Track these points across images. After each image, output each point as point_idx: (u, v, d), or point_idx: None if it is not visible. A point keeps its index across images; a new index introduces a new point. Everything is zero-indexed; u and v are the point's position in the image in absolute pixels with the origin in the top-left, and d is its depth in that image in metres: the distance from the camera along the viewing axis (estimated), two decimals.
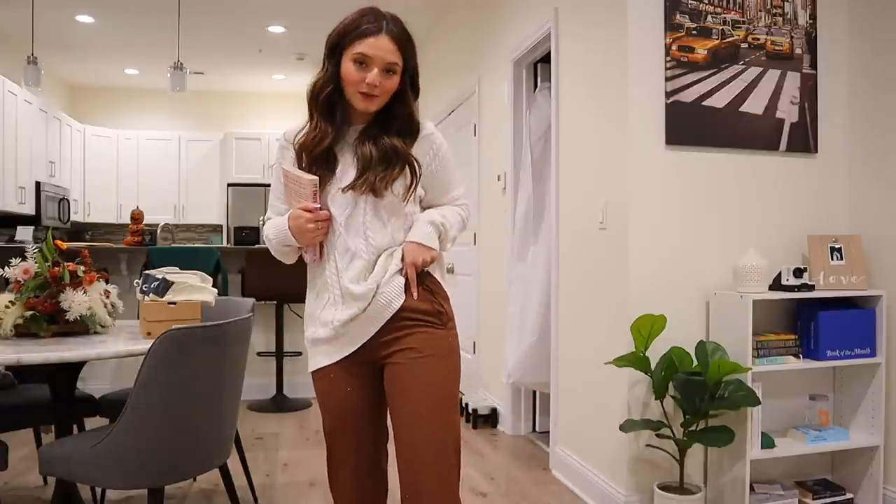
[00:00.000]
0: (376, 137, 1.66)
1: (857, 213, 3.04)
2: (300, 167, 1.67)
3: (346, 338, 1.69)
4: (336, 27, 1.66)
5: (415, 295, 1.66)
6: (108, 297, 2.64)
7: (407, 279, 1.66)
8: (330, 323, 1.69)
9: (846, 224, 3.07)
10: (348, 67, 1.61)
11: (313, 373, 1.77)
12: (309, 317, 1.77)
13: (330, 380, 1.73)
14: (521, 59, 4.08)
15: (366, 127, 1.69)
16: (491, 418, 4.37)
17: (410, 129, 1.70)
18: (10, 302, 2.46)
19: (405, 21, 1.67)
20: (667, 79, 2.80)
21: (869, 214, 2.99)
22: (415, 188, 1.69)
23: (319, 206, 1.61)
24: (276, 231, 1.69)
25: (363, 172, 1.64)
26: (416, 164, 1.68)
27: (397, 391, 1.66)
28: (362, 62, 1.60)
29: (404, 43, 1.64)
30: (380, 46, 1.59)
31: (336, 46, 1.64)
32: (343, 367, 1.72)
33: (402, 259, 1.67)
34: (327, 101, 1.66)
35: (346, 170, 1.66)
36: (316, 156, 1.66)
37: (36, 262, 2.55)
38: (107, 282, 2.70)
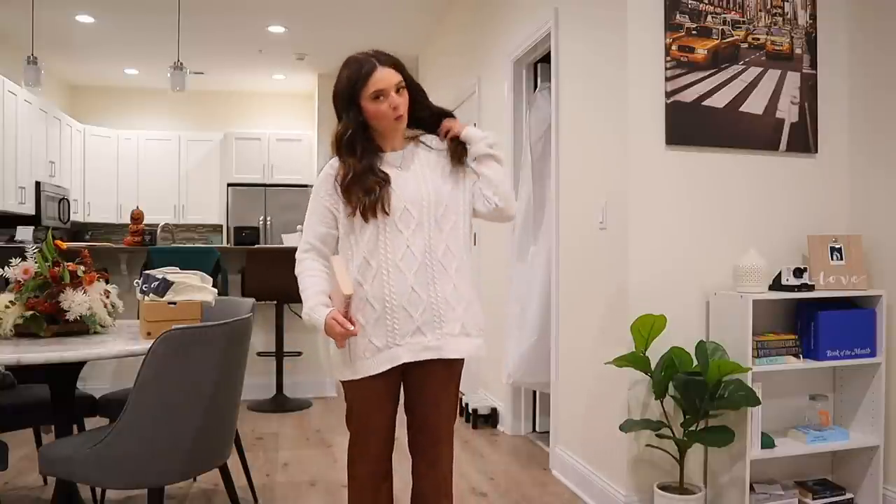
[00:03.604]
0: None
1: (857, 213, 3.04)
2: (348, 203, 1.91)
3: (400, 350, 1.89)
4: (338, 85, 1.91)
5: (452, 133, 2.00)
6: (108, 297, 2.64)
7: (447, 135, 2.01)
8: (392, 336, 1.89)
9: (846, 224, 3.07)
10: (372, 107, 1.87)
11: (355, 381, 1.93)
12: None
13: (374, 385, 1.92)
14: (521, 59, 4.08)
15: (410, 146, 1.99)
16: (491, 418, 4.37)
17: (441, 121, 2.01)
18: (10, 302, 2.46)
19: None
20: (667, 79, 2.80)
21: (869, 214, 2.99)
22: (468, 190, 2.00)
23: (353, 325, 1.83)
24: (309, 310, 1.91)
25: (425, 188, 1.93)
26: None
27: (426, 396, 1.97)
28: (379, 96, 1.86)
29: (398, 64, 1.91)
30: (384, 76, 1.86)
31: (350, 98, 1.88)
32: (386, 374, 1.91)
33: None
34: (349, 142, 1.90)
35: (405, 184, 1.92)
36: (357, 180, 1.88)
37: (36, 262, 2.55)
38: (107, 282, 2.70)
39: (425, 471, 1.98)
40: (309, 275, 1.96)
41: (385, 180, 1.89)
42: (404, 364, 1.91)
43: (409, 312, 1.87)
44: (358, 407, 1.96)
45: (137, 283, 2.62)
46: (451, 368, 1.96)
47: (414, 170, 1.96)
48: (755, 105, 2.91)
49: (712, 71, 2.85)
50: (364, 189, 1.87)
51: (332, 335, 1.85)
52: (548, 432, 3.67)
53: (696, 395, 2.58)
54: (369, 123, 1.91)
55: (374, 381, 1.91)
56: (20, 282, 2.51)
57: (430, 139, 2.03)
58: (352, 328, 1.82)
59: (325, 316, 1.85)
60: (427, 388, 1.95)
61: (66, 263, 2.57)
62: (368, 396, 1.93)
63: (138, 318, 2.67)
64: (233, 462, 2.70)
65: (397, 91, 1.87)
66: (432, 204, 1.92)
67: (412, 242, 1.89)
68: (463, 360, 1.98)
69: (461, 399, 4.64)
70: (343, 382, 1.97)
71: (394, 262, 1.88)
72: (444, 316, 1.90)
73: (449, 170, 1.99)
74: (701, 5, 2.85)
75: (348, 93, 1.88)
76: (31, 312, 2.44)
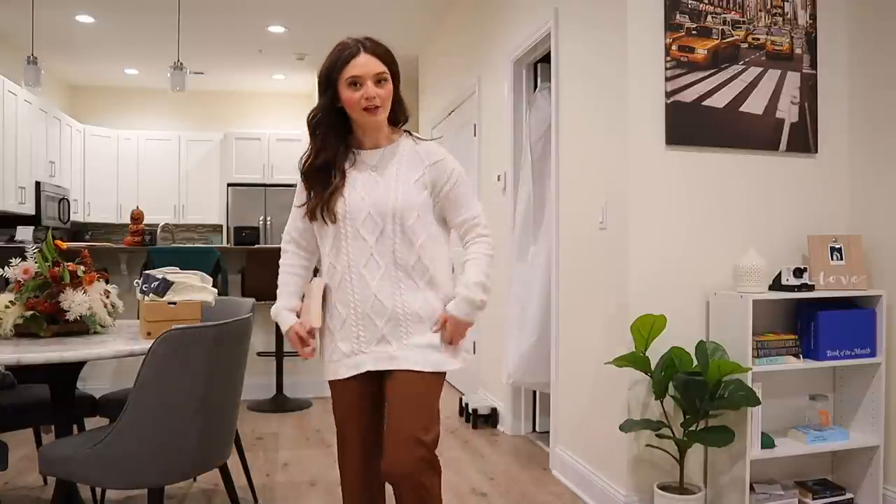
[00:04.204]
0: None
1: (857, 213, 3.04)
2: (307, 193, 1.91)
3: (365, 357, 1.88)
4: (322, 67, 1.84)
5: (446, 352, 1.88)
6: (108, 297, 2.64)
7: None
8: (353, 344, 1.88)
9: (846, 224, 3.07)
10: (346, 94, 1.78)
11: (331, 382, 1.94)
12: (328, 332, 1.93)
13: (348, 389, 1.92)
14: (521, 59, 4.08)
15: (396, 143, 1.89)
16: (491, 418, 4.37)
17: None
18: (10, 302, 2.46)
19: (378, 38, 1.86)
20: (667, 79, 2.80)
21: (869, 214, 2.99)
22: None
23: (311, 349, 1.89)
24: (275, 312, 1.94)
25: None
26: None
27: (400, 407, 1.84)
28: (355, 83, 1.77)
29: (383, 54, 1.81)
30: (364, 63, 1.77)
31: (328, 80, 1.81)
32: (359, 380, 1.90)
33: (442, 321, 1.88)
34: (316, 125, 1.85)
35: (374, 188, 1.84)
36: (313, 172, 1.86)
37: (36, 262, 2.55)
38: (107, 282, 2.70)
39: (405, 491, 1.81)
40: (286, 271, 1.98)
41: (338, 185, 1.82)
42: (379, 372, 1.86)
43: (373, 320, 1.83)
44: (337, 408, 1.96)
45: (137, 283, 2.62)
46: (426, 380, 1.83)
47: (388, 172, 1.84)
48: (755, 105, 2.91)
49: (712, 71, 2.85)
50: (312, 190, 1.87)
51: (292, 344, 1.90)
52: (548, 432, 3.67)
53: (696, 395, 2.58)
54: (347, 112, 1.83)
55: (348, 385, 1.89)
56: (20, 282, 2.51)
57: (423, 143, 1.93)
58: (307, 350, 1.87)
59: (288, 327, 1.89)
60: (400, 400, 1.82)
61: (66, 263, 2.57)
62: (344, 398, 1.92)
63: (138, 318, 2.67)
64: (233, 462, 2.70)
65: (377, 82, 1.78)
66: (398, 212, 1.81)
67: (376, 250, 1.81)
68: (443, 373, 1.87)
69: (461, 399, 4.63)
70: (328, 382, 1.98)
71: (357, 270, 1.83)
72: (411, 328, 1.83)
73: (429, 178, 1.86)
74: (701, 5, 2.85)
75: (326, 75, 1.81)
76: (31, 312, 2.44)
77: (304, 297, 1.96)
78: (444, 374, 1.90)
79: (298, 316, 1.92)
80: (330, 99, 1.81)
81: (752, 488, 2.74)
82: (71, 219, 7.70)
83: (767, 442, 2.73)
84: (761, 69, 2.92)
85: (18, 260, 2.57)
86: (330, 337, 1.89)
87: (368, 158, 1.87)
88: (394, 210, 1.81)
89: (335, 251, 1.85)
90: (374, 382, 1.90)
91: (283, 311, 1.92)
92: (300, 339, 1.87)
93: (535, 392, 4.16)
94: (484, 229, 1.92)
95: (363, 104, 1.77)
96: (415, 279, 1.84)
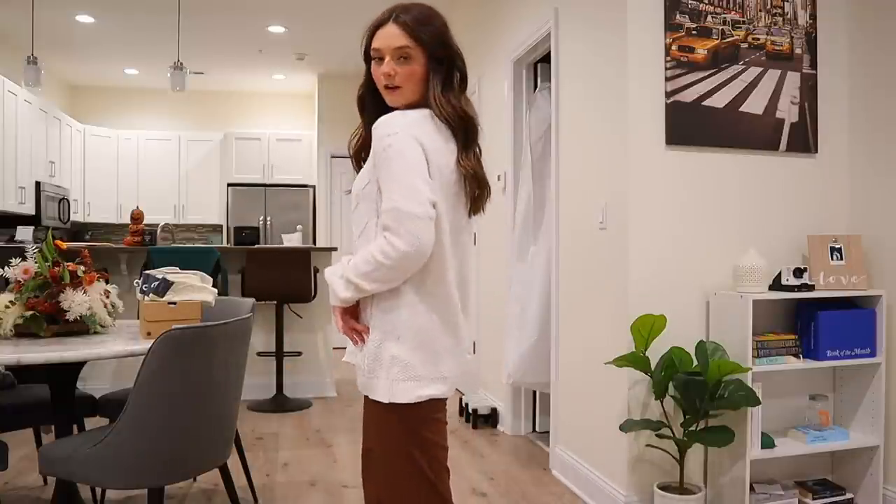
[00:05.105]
0: None
1: (857, 213, 3.04)
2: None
3: None
4: None
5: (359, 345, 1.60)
6: (108, 297, 2.64)
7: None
8: None
9: (846, 224, 3.07)
10: (372, 68, 1.59)
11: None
12: None
13: None
14: (521, 59, 4.08)
15: None
16: (491, 418, 4.37)
17: None
18: (10, 302, 2.46)
19: (429, 8, 1.62)
20: (667, 79, 2.80)
21: (869, 214, 2.99)
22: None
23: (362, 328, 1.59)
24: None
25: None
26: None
27: None
28: (378, 56, 1.57)
29: (413, 27, 1.54)
30: (386, 35, 1.55)
31: (365, 53, 1.62)
32: None
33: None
34: (361, 100, 1.66)
35: None
36: (353, 156, 1.66)
37: (36, 262, 2.55)
38: (107, 282, 2.70)
39: None
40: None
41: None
42: None
43: None
44: None
45: (137, 283, 2.62)
46: (371, 417, 1.59)
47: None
48: (755, 105, 2.91)
49: (712, 71, 2.85)
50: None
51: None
52: (548, 432, 3.67)
53: (696, 395, 2.58)
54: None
55: None
56: (20, 282, 2.51)
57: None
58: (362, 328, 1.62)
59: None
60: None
61: (66, 263, 2.57)
62: None
63: (138, 318, 2.67)
64: (233, 462, 2.70)
65: (398, 58, 1.54)
66: (352, 202, 1.61)
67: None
68: (396, 404, 1.52)
69: (461, 399, 4.63)
70: None
71: None
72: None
73: (373, 154, 1.55)
74: (701, 5, 2.85)
75: (364, 44, 1.61)
76: (31, 312, 2.44)
77: None
78: (400, 411, 1.53)
79: None
80: (367, 72, 1.61)
81: (752, 488, 2.74)
82: (71, 219, 7.69)
83: (767, 442, 2.73)
84: (761, 69, 2.92)
85: (18, 260, 2.57)
86: None
87: None
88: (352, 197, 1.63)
89: None
90: None
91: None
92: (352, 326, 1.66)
93: (535, 392, 4.16)
94: (392, 223, 1.44)
95: (382, 81, 1.56)
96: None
